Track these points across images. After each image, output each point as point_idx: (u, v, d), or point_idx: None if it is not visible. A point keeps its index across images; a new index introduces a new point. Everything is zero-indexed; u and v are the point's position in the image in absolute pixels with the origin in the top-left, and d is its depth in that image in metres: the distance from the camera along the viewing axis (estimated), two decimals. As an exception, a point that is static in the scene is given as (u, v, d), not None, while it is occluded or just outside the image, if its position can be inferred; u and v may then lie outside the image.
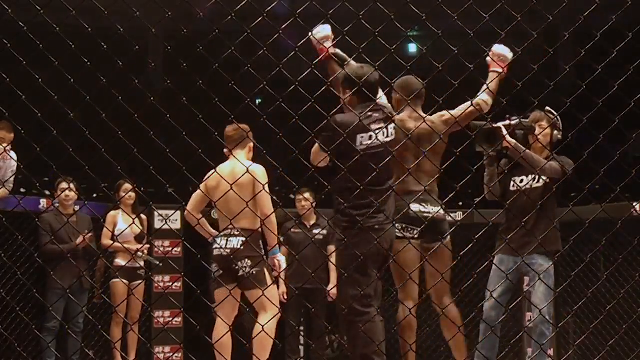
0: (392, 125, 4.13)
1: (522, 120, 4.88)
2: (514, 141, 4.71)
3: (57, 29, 3.01)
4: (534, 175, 4.94)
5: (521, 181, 5.02)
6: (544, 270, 4.70)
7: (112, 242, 6.88)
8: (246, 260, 5.00)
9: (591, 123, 3.37)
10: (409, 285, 4.47)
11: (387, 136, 4.10)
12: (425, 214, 4.48)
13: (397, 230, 4.31)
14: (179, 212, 6.87)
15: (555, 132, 5.01)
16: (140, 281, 6.98)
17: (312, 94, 3.06)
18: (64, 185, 6.66)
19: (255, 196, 4.86)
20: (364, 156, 3.93)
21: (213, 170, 5.03)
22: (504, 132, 4.68)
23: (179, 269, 7.09)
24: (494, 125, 4.65)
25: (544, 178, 4.90)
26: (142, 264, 7.04)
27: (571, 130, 4.91)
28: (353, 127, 3.95)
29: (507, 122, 4.78)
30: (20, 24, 3.06)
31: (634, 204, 6.93)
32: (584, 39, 3.34)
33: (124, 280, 6.88)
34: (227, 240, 5.06)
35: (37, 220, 6.60)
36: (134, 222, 6.68)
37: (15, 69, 3.00)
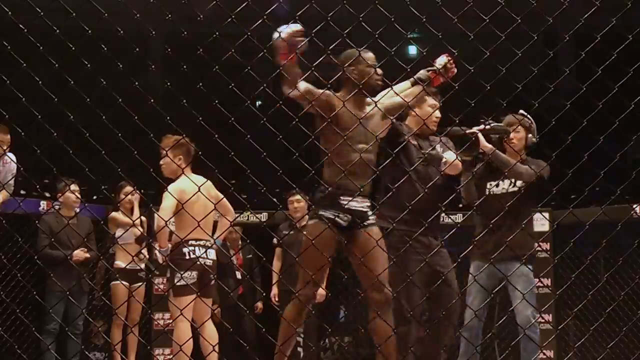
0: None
1: (494, 124, 4.79)
2: (490, 146, 4.68)
3: (58, 31, 3.01)
4: (510, 180, 4.91)
5: (497, 186, 4.98)
6: (522, 274, 4.70)
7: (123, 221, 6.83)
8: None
9: (591, 125, 3.37)
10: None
11: None
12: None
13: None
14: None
15: (530, 135, 4.98)
16: (140, 283, 6.96)
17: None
18: (73, 187, 6.61)
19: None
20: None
21: (179, 185, 5.07)
22: (480, 137, 4.65)
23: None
24: (470, 131, 4.64)
25: (519, 183, 4.87)
26: (143, 266, 7.03)
27: (571, 132, 4.91)
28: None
29: (482, 126, 4.71)
30: (21, 26, 3.06)
31: (634, 206, 6.94)
32: (584, 41, 3.35)
33: (124, 282, 6.85)
34: (207, 251, 5.33)
35: (37, 222, 6.59)
36: (134, 224, 6.67)
37: (15, 71, 3.00)
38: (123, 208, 7.00)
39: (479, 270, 4.79)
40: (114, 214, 6.95)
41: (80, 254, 6.65)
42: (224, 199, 5.27)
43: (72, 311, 6.72)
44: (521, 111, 4.90)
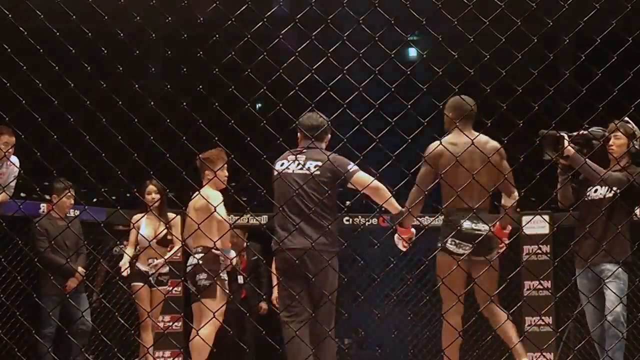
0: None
1: (594, 129, 4.89)
2: (572, 150, 4.74)
3: (57, 33, 3.01)
4: (608, 187, 4.90)
5: (595, 191, 4.98)
6: (612, 273, 4.69)
7: (131, 252, 6.70)
8: (202, 274, 5.60)
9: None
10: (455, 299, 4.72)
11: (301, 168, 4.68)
12: (476, 231, 4.75)
13: (450, 245, 4.77)
14: (179, 217, 6.77)
15: (635, 142, 4.93)
16: (163, 287, 6.73)
17: (312, 99, 3.06)
18: (66, 191, 6.57)
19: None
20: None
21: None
22: (566, 140, 4.72)
23: (179, 273, 7.04)
24: (558, 134, 4.70)
25: (614, 188, 4.86)
26: (167, 269, 6.72)
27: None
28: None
29: (577, 132, 4.81)
30: (21, 28, 3.06)
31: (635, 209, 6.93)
32: (584, 43, 3.35)
33: (142, 284, 6.66)
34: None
35: (36, 224, 6.56)
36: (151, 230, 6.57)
37: (15, 74, 3.00)
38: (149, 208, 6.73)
39: (581, 275, 4.88)
40: (136, 216, 6.69)
41: (74, 282, 6.67)
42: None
43: (73, 312, 6.67)
44: (625, 118, 4.84)
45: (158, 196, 6.66)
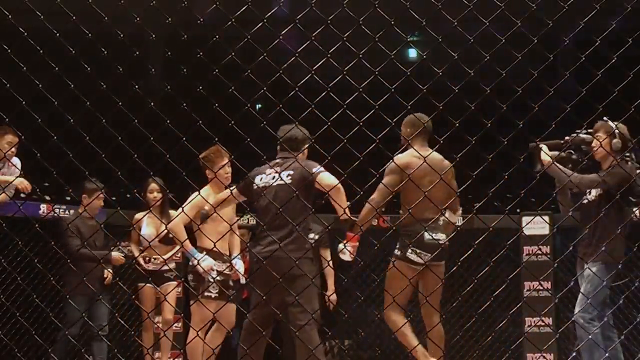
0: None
1: (576, 135, 5.01)
2: (547, 159, 4.89)
3: (58, 34, 3.01)
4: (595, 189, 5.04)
5: (590, 194, 5.09)
6: (588, 275, 4.80)
7: (136, 251, 6.71)
8: (190, 274, 5.67)
9: (591, 128, 3.37)
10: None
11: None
12: (436, 241, 4.98)
13: (411, 254, 4.99)
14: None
15: (615, 140, 4.94)
16: (170, 283, 6.72)
17: (312, 100, 3.06)
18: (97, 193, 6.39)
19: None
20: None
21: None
22: (543, 150, 4.91)
23: (179, 274, 7.04)
24: (536, 145, 4.91)
25: (596, 191, 5.00)
26: (173, 265, 6.75)
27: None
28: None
29: (562, 140, 4.98)
30: (21, 29, 3.06)
31: (634, 210, 6.93)
32: (584, 44, 3.34)
33: (149, 284, 6.60)
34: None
35: (67, 224, 6.42)
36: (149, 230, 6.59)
37: (15, 75, 3.00)
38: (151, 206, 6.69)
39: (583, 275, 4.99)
40: (137, 215, 6.64)
41: (118, 255, 6.63)
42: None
43: (97, 313, 6.56)
44: (605, 118, 4.94)
45: (160, 195, 6.63)
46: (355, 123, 3.07)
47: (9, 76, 3.08)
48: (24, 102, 2.98)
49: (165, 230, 6.46)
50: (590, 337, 4.81)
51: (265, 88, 3.07)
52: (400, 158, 5.00)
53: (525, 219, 7.61)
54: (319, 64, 3.08)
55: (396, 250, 5.13)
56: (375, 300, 8.11)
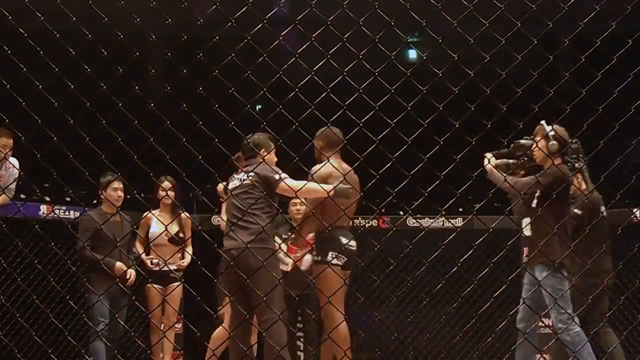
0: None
1: (517, 143, 5.17)
2: (489, 167, 5.06)
3: (58, 35, 3.01)
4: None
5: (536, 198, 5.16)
6: (532, 281, 4.99)
7: (142, 250, 6.59)
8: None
9: (591, 129, 3.37)
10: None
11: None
12: (351, 247, 5.16)
13: (333, 259, 5.09)
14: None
15: (551, 142, 5.03)
16: (176, 284, 6.56)
17: (312, 100, 3.06)
18: (116, 184, 6.21)
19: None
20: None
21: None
22: (486, 160, 5.04)
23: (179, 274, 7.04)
24: (483, 155, 5.02)
25: (535, 193, 5.09)
26: (173, 267, 6.59)
27: (572, 137, 4.91)
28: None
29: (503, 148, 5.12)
30: (21, 30, 3.06)
31: (634, 210, 6.93)
32: (584, 45, 3.35)
33: (155, 285, 6.54)
34: None
35: (79, 220, 6.29)
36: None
37: (15, 76, 3.00)
38: (162, 205, 6.60)
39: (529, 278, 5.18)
40: (147, 214, 6.54)
41: (121, 266, 6.25)
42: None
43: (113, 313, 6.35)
44: (542, 122, 5.03)
45: (172, 193, 6.50)
46: (355, 124, 3.07)
47: (9, 77, 3.08)
48: (24, 103, 2.98)
49: (175, 230, 6.48)
50: (575, 335, 4.99)
51: (265, 89, 3.07)
52: (319, 167, 4.99)
53: (525, 220, 7.60)
54: (319, 64, 3.09)
55: (318, 256, 5.17)
56: (375, 301, 8.12)
